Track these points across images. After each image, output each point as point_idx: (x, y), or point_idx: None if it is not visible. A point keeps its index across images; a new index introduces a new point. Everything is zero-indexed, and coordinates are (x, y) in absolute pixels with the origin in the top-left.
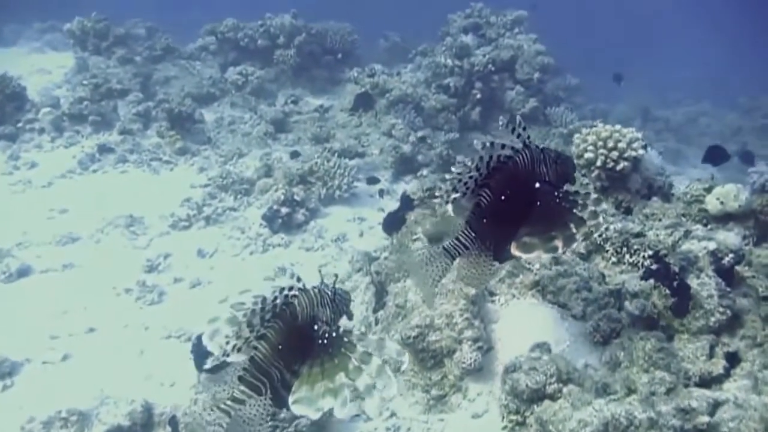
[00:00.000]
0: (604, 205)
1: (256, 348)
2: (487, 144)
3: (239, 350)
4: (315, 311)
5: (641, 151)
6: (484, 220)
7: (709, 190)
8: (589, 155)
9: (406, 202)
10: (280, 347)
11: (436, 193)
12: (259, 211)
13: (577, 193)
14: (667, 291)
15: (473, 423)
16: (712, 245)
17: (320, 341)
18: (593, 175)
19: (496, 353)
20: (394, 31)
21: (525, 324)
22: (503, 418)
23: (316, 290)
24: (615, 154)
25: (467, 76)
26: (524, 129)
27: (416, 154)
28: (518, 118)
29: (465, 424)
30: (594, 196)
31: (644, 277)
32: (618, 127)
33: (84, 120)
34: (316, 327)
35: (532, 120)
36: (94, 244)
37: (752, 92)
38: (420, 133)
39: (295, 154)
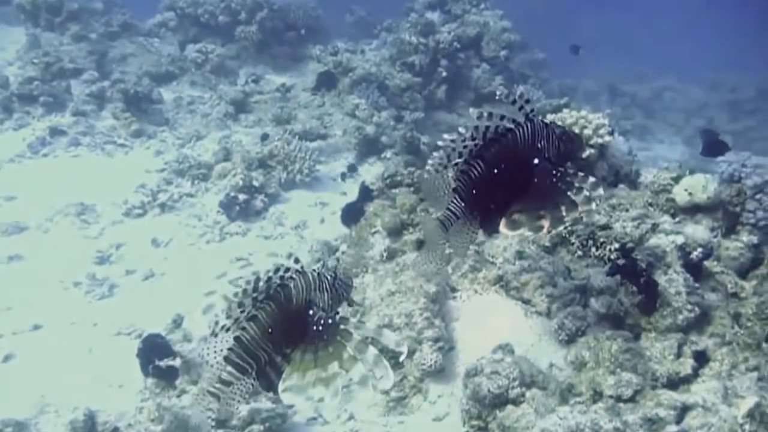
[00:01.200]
0: (601, 191)
1: (244, 329)
2: (485, 114)
3: (227, 330)
4: (312, 295)
5: (608, 138)
6: (474, 191)
7: (677, 179)
8: None
9: (365, 193)
10: (270, 330)
11: (429, 161)
12: (217, 197)
13: (575, 174)
14: (634, 288)
15: (434, 426)
16: (680, 239)
17: (315, 327)
18: None
19: (458, 353)
20: (360, 5)
21: (487, 322)
22: (464, 423)
23: (316, 274)
24: None
25: (432, 53)
26: (527, 101)
27: (380, 135)
28: (521, 89)
29: (426, 427)
30: (592, 180)
31: (610, 273)
32: (584, 112)
33: (35, 101)
34: (311, 312)
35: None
36: (43, 234)
37: (719, 67)
38: (385, 114)
39: (264, 137)
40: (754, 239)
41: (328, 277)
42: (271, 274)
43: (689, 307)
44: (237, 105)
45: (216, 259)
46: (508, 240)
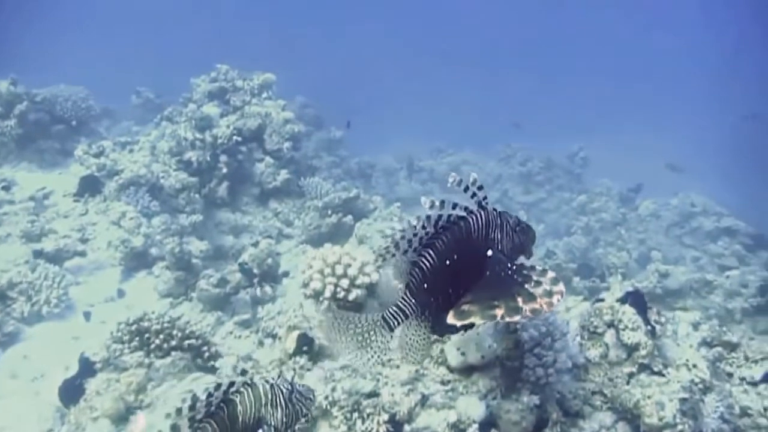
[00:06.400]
0: (561, 287)
1: None
2: (437, 203)
3: None
4: (262, 412)
5: (375, 276)
6: (425, 286)
7: None
8: (316, 285)
9: (86, 367)
10: None
11: (373, 250)
12: None
13: (533, 268)
14: None
15: None
16: (452, 417)
17: None
18: (322, 307)
19: None
20: (148, 87)
21: None
22: None
23: (268, 386)
24: (345, 282)
25: (211, 149)
26: (480, 188)
27: (149, 247)
28: (473, 176)
29: None
30: (552, 275)
31: None
32: (347, 248)
33: None
34: None
35: (286, 193)
36: None
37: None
38: (157, 220)
39: (37, 254)
40: (536, 399)
41: (284, 390)
42: (212, 389)
43: None
44: None
45: None
46: None
